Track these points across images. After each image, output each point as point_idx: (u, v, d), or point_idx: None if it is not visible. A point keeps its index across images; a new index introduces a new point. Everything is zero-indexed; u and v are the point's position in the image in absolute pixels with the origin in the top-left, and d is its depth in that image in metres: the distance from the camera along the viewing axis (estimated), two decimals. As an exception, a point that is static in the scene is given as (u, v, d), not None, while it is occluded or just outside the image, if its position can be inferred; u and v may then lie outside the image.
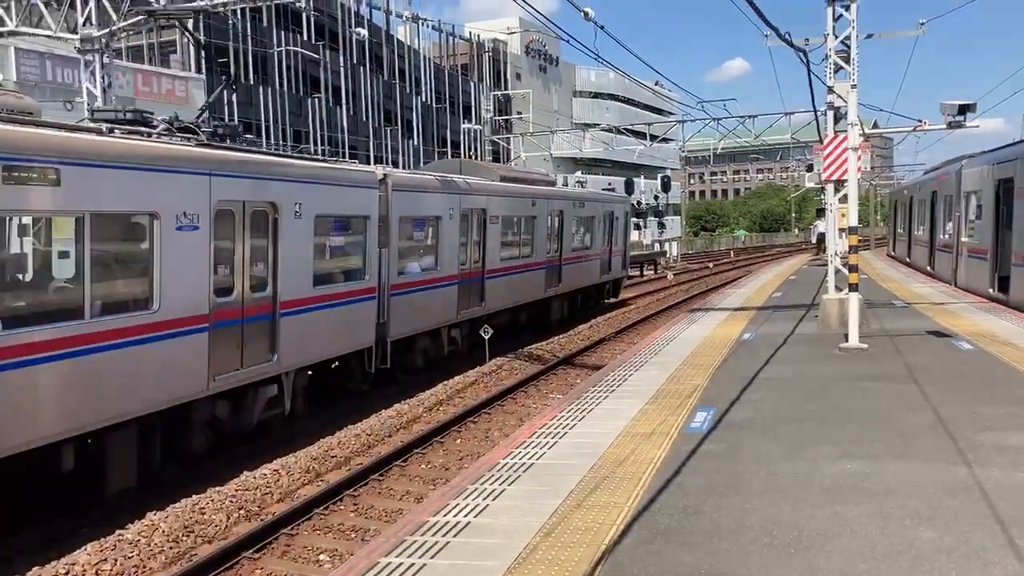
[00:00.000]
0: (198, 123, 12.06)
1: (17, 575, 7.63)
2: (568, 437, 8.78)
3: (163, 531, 8.52)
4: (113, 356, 9.03)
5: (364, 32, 57.05)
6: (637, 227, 47.11)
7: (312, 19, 54.89)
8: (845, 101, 15.17)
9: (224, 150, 11.36)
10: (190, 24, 25.46)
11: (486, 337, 17.89)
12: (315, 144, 51.59)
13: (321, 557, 8.32)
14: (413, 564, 5.66)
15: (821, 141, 18.11)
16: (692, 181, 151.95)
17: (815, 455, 7.84)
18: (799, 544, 5.76)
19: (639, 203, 53.09)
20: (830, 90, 15.93)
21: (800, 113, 36.03)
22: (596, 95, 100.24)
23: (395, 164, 50.41)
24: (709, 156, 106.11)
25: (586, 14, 15.01)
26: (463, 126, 65.64)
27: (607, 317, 26.46)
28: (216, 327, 10.53)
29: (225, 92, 41.48)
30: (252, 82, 49.71)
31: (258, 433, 12.02)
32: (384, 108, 62.35)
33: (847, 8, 15.18)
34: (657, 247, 57.04)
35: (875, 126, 44.11)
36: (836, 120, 16.12)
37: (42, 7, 19.20)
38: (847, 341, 13.94)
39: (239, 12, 33.98)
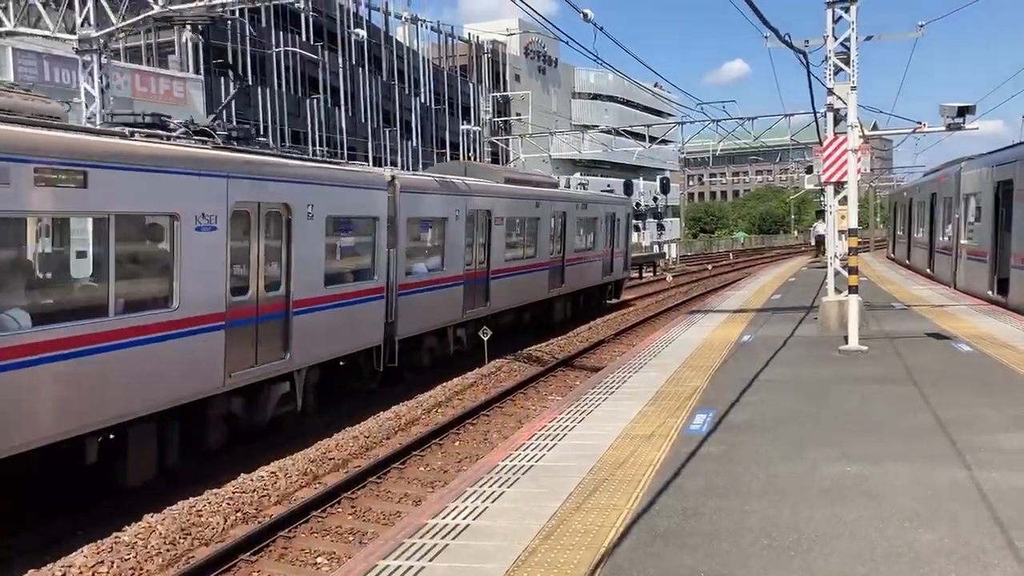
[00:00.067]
0: (213, 126, 12.23)
1: (15, 576, 7.62)
2: (567, 439, 8.77)
3: (160, 533, 8.50)
4: (135, 353, 9.31)
5: (363, 33, 56.93)
6: (636, 229, 46.97)
7: (311, 20, 54.81)
8: (845, 103, 15.17)
9: (239, 152, 11.53)
10: (196, 25, 25.39)
11: (485, 339, 17.92)
12: (313, 145, 51.51)
13: (319, 560, 8.30)
14: (411, 567, 5.64)
15: (821, 143, 18.08)
16: (691, 183, 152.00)
17: (815, 457, 7.82)
18: (799, 546, 5.75)
19: (638, 205, 53.05)
20: (830, 92, 15.94)
21: (800, 115, 35.90)
22: (595, 96, 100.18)
23: (394, 165, 50.34)
24: (708, 158, 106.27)
25: (585, 15, 15.01)
26: (462, 127, 65.55)
27: (606, 319, 26.45)
28: (232, 325, 10.78)
29: (224, 92, 41.46)
30: (250, 83, 49.64)
31: (271, 430, 12.18)
32: (383, 109, 62.24)
33: (847, 10, 15.18)
34: (656, 249, 57.06)
35: (875, 128, 44.08)
36: (836, 122, 16.13)
37: (40, 7, 19.15)
38: (847, 343, 13.93)
39: (239, 13, 33.86)
